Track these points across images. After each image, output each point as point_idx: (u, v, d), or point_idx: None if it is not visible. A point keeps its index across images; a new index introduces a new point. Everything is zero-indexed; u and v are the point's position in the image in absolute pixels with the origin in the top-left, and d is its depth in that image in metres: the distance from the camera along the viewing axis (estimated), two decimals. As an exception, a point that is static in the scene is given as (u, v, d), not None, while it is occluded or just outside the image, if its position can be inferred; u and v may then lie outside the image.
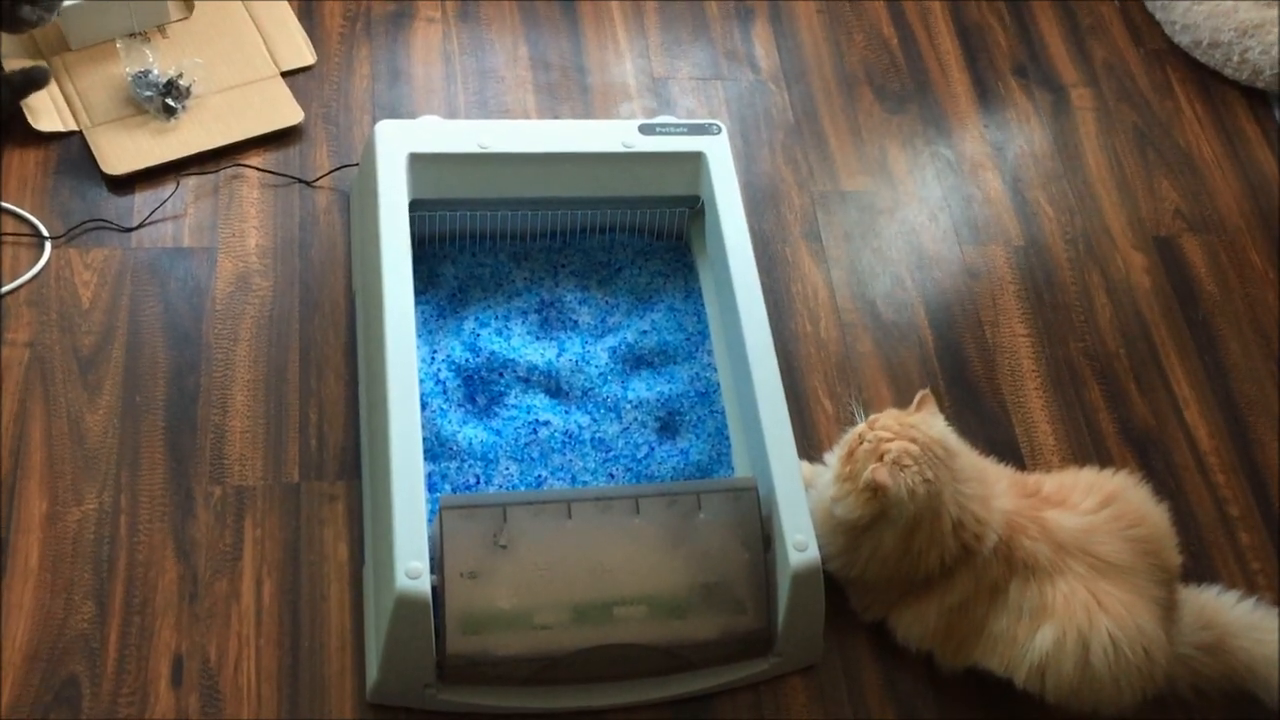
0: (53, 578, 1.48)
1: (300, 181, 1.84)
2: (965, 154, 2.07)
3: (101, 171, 1.78)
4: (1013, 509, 1.47)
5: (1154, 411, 1.84)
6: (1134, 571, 1.44)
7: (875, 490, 1.41)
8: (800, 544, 1.46)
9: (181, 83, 1.84)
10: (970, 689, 1.55)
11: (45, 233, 1.73)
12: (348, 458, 1.62)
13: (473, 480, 1.59)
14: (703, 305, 1.77)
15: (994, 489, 1.47)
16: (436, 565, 1.41)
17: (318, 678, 1.47)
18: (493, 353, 1.67)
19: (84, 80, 1.85)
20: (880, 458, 1.42)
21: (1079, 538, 1.45)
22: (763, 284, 1.66)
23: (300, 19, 1.98)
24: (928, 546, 1.44)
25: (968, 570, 1.45)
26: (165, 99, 1.82)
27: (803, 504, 1.49)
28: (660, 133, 1.75)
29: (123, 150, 1.80)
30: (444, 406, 1.63)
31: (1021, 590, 1.44)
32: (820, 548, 1.47)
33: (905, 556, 1.45)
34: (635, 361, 1.72)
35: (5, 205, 1.74)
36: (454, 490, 1.57)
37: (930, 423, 1.46)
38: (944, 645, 1.50)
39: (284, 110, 1.88)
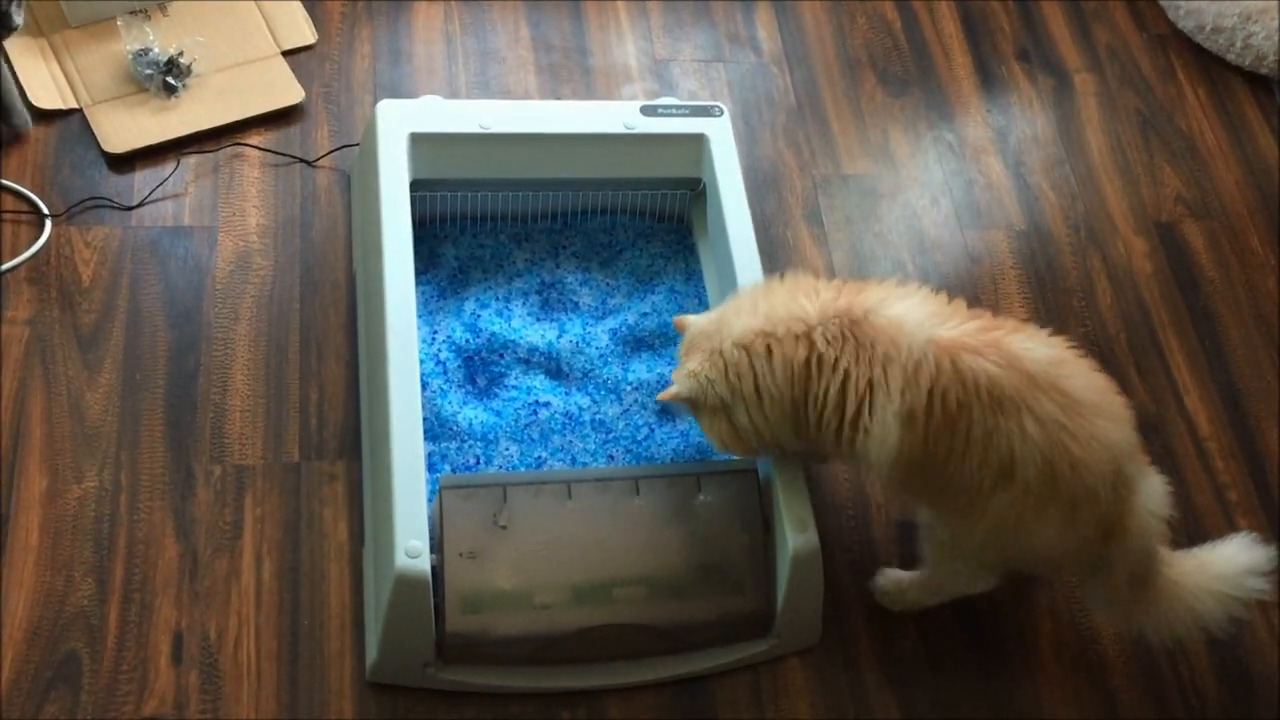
0: (53, 555, 1.48)
1: (301, 161, 1.83)
2: (967, 138, 2.06)
3: (102, 150, 1.78)
4: (956, 334, 1.35)
5: (1154, 397, 1.84)
6: (1100, 411, 1.35)
7: (689, 404, 1.46)
8: (800, 526, 1.46)
9: (182, 61, 1.83)
10: (969, 668, 1.56)
11: (45, 210, 1.72)
12: (348, 437, 1.62)
13: (473, 461, 1.59)
14: (704, 287, 1.77)
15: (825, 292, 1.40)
16: (436, 545, 1.42)
17: (317, 656, 1.47)
18: (493, 334, 1.67)
19: (84, 58, 1.84)
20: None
21: (1049, 370, 1.33)
22: (764, 267, 1.65)
23: (301, -2, 1.98)
24: (764, 378, 1.39)
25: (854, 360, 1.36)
26: (166, 77, 1.82)
27: (802, 487, 1.49)
28: (662, 114, 1.74)
29: (123, 128, 1.80)
30: (444, 387, 1.63)
31: (985, 425, 1.33)
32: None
33: (771, 399, 1.41)
34: (636, 343, 1.72)
35: (5, 183, 1.73)
36: (454, 471, 1.57)
37: (693, 322, 1.49)
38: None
39: (285, 89, 1.87)
